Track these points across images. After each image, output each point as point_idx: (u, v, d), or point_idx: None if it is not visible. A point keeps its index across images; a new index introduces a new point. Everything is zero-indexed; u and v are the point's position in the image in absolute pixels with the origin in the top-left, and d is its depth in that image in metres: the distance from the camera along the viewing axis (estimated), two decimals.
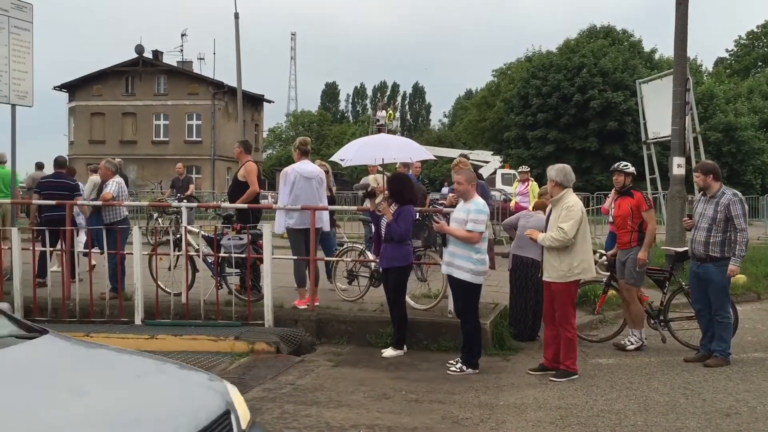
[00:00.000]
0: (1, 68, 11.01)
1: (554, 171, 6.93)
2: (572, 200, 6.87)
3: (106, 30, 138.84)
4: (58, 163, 11.47)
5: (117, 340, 7.88)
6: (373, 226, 9.30)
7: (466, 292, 7.00)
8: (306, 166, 9.09)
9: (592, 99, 45.38)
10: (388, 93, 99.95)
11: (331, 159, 9.09)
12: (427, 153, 9.06)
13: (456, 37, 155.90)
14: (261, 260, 8.51)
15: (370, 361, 7.42)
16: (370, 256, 9.09)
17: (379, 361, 7.42)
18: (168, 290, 9.05)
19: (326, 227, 9.41)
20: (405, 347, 7.69)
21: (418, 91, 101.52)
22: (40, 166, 14.59)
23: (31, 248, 9.20)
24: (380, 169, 9.34)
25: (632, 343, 8.06)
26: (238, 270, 9.01)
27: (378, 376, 6.85)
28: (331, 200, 10.76)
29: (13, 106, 11.31)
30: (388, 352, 7.63)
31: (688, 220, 7.79)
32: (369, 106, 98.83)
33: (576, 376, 6.80)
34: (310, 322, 8.34)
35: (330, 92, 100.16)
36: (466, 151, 31.16)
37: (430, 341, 7.96)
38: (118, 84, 47.52)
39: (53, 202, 10.00)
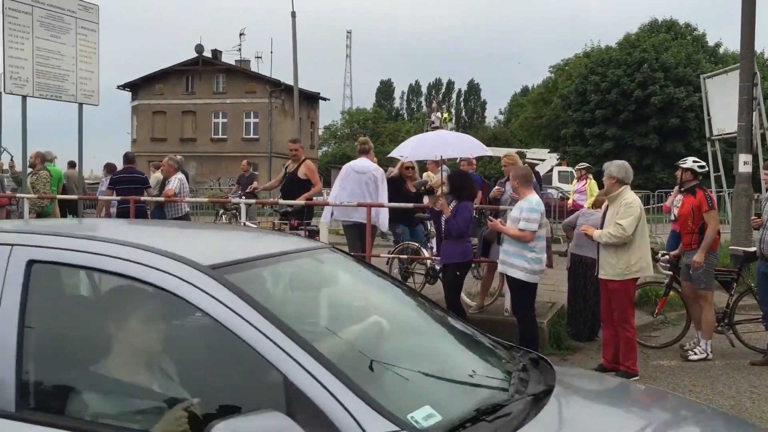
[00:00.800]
0: (69, 68, 11.41)
1: (615, 167, 6.79)
2: (631, 197, 6.72)
3: (168, 30, 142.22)
4: (128, 158, 11.94)
5: None
6: (430, 224, 9.35)
7: (521, 291, 6.93)
8: (359, 162, 9.20)
9: (653, 95, 44.25)
10: (443, 90, 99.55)
11: (390, 155, 9.17)
12: (486, 149, 8.99)
13: (512, 33, 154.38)
14: None
15: None
16: (426, 253, 9.09)
17: None
18: None
19: (383, 227, 9.44)
20: None
21: (473, 88, 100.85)
22: (72, 165, 14.90)
23: None
24: (442, 166, 9.34)
25: (696, 354, 7.61)
26: None
27: None
28: None
29: (80, 104, 11.72)
30: None
31: (756, 219, 7.52)
32: (424, 103, 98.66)
33: (637, 378, 6.66)
34: None
35: (385, 90, 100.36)
36: (518, 150, 30.77)
37: None
38: (179, 83, 48.63)
39: (117, 198, 10.31)
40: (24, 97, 10.69)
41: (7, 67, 10.36)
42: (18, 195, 11.17)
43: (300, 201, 9.34)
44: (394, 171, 10.01)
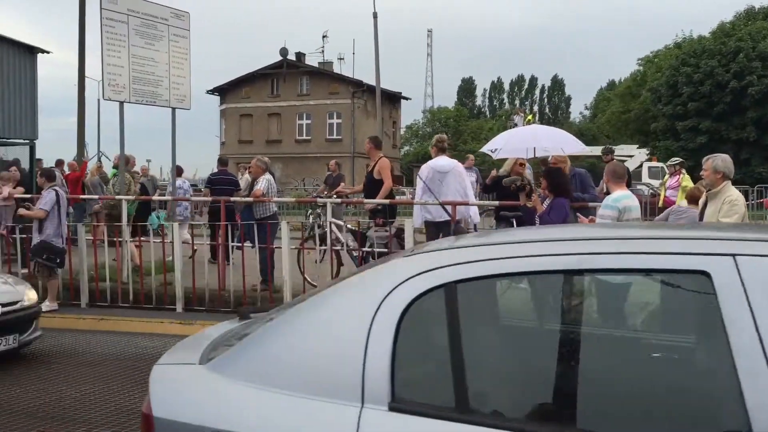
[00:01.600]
0: (162, 74, 11.83)
1: (720, 161, 6.47)
2: (734, 194, 6.40)
3: (253, 35, 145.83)
4: (222, 161, 13.18)
5: None
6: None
7: None
8: (439, 161, 9.16)
9: (750, 85, 42.12)
10: (525, 86, 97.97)
11: (481, 150, 9.12)
12: (581, 144, 8.76)
13: (597, 26, 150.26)
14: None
15: None
16: None
17: None
18: (315, 283, 9.36)
19: (475, 218, 9.42)
20: None
21: (557, 84, 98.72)
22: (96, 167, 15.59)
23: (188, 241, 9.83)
24: (523, 162, 9.17)
25: None
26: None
27: None
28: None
29: (173, 109, 12.14)
30: None
31: None
32: (506, 100, 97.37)
33: None
34: None
35: (466, 88, 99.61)
36: (605, 146, 29.86)
37: None
38: (265, 86, 49.79)
39: (184, 198, 10.64)
40: (121, 103, 11.15)
41: (106, 74, 10.82)
42: (117, 197, 11.65)
43: (384, 201, 9.41)
44: (503, 169, 9.93)
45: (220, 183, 12.52)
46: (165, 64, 11.80)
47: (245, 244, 10.04)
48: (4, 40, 13.57)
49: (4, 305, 7.02)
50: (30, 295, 7.42)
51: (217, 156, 50.07)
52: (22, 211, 9.75)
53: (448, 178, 9.01)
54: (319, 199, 11.75)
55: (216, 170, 13.59)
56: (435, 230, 8.94)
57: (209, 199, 11.04)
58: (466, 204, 8.72)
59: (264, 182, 10.27)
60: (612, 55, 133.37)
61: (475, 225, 9.72)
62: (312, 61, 51.07)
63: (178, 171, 13.78)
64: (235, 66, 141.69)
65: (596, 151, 21.74)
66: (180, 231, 9.97)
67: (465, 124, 74.96)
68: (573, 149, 8.77)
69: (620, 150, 36.01)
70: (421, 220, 9.02)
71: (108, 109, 59.28)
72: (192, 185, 22.86)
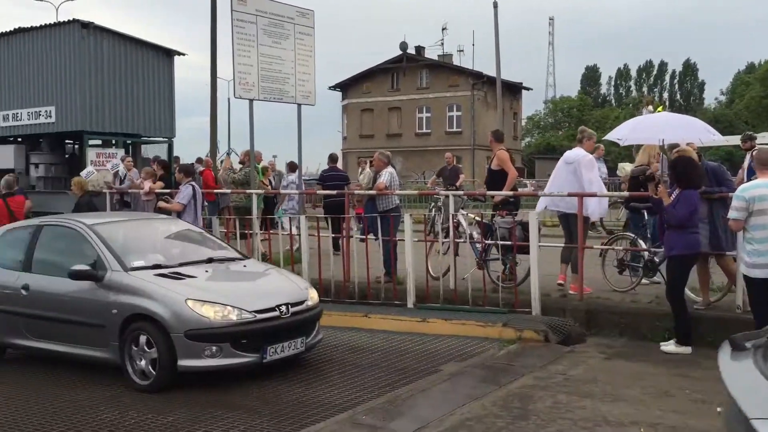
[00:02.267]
0: (289, 71, 12.19)
1: None
2: None
3: (374, 31, 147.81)
4: (333, 158, 13.71)
5: (392, 321, 8.41)
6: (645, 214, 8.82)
7: (748, 287, 6.48)
8: (570, 152, 9.13)
9: None
10: (654, 72, 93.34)
11: (605, 138, 8.83)
12: (714, 133, 8.23)
13: (733, 4, 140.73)
14: (524, 248, 8.52)
15: (646, 356, 6.97)
16: (642, 245, 8.58)
17: (656, 356, 6.95)
18: (436, 276, 9.37)
19: (592, 216, 9.14)
20: (690, 346, 7.08)
21: (689, 69, 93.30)
22: (293, 167, 16.07)
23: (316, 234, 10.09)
24: (661, 150, 8.73)
25: None
26: (499, 256, 9.10)
27: (657, 372, 6.42)
28: None
29: (299, 105, 12.50)
30: (670, 347, 7.09)
31: None
32: (633, 87, 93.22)
33: None
34: (579, 312, 8.08)
35: (590, 76, 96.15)
36: (746, 133, 27.90)
37: (716, 338, 7.25)
38: (385, 81, 50.33)
39: (291, 192, 10.87)
40: (251, 101, 11.59)
41: (237, 73, 11.29)
42: (248, 191, 12.16)
43: (507, 192, 9.30)
44: (638, 160, 9.61)
45: (332, 179, 13.16)
46: (291, 62, 12.15)
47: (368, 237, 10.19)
48: (145, 44, 14.45)
49: (293, 305, 6.63)
50: (312, 295, 7.05)
51: (340, 151, 51.33)
52: (161, 203, 10.38)
53: (568, 169, 8.89)
54: (441, 192, 11.74)
55: (327, 167, 14.17)
56: (564, 223, 8.92)
57: (333, 192, 11.38)
58: (580, 195, 8.42)
59: (387, 175, 10.36)
60: (751, 36, 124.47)
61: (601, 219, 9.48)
62: (431, 54, 51.13)
63: (292, 167, 14.51)
64: (356, 62, 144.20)
65: (733, 140, 20.34)
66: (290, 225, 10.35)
67: (589, 113, 72.53)
68: (705, 139, 8.25)
69: (762, 138, 33.57)
70: (542, 208, 9.12)
71: (235, 107, 61.90)
72: (313, 180, 23.56)
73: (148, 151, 15.54)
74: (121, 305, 6.38)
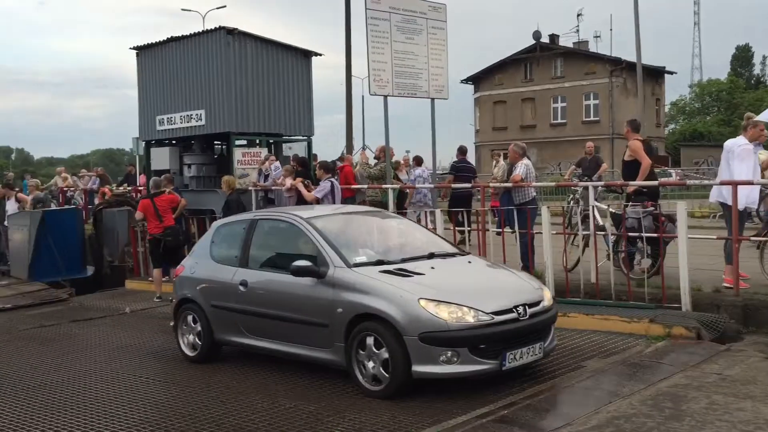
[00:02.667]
0: (422, 66, 12.25)
1: None
2: None
3: (505, 22, 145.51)
4: (462, 151, 14.52)
5: None
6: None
7: None
8: (728, 141, 8.86)
9: None
10: None
11: (755, 119, 8.29)
12: None
13: None
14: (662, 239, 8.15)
15: None
16: None
17: None
18: (570, 269, 9.13)
19: (740, 204, 8.55)
20: None
21: None
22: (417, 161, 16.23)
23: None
24: None
25: None
26: (636, 248, 8.73)
27: None
28: None
29: (432, 100, 12.54)
30: None
31: None
32: None
33: None
34: (735, 308, 7.57)
35: (741, 56, 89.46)
36: None
37: None
38: (517, 71, 49.43)
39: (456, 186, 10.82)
40: (385, 97, 11.76)
41: (372, 71, 11.49)
42: (384, 186, 12.36)
43: (647, 182, 8.91)
44: None
45: (464, 171, 14.00)
46: (424, 57, 12.20)
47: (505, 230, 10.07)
48: (284, 47, 15.00)
49: (529, 305, 6.03)
50: (547, 295, 6.49)
51: (472, 143, 50.99)
52: (300, 186, 11.12)
53: (724, 158, 8.53)
54: (580, 183, 11.40)
55: (456, 159, 14.66)
56: (727, 213, 8.43)
57: (468, 185, 11.42)
58: (733, 183, 7.89)
59: (522, 167, 10.19)
60: None
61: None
62: (566, 42, 49.63)
63: (417, 161, 14.86)
64: (487, 54, 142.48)
65: None
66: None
67: (741, 96, 67.56)
68: None
69: None
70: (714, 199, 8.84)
71: (369, 103, 62.94)
72: (445, 174, 23.59)
73: (289, 149, 16.15)
74: (347, 304, 6.04)
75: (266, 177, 13.51)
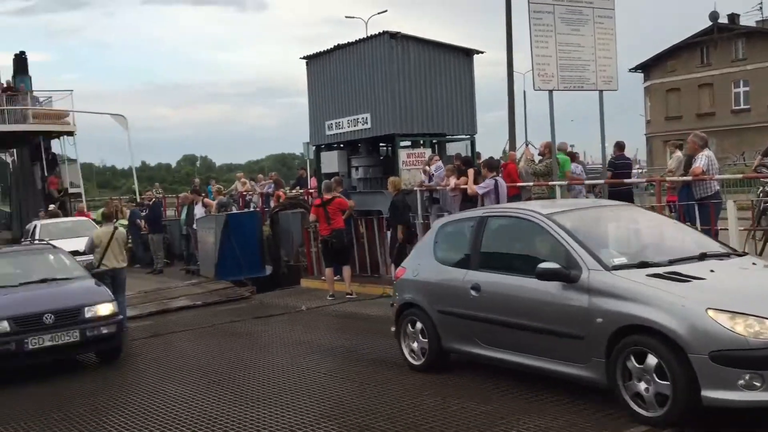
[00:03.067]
0: (588, 57, 11.82)
1: None
2: None
3: (676, 3, 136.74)
4: (620, 146, 13.90)
5: None
6: None
7: None
8: None
9: None
10: None
11: None
12: None
13: None
14: None
15: None
16: None
17: None
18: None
19: None
20: None
21: None
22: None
23: None
24: None
25: None
26: None
27: None
28: None
29: (601, 92, 12.06)
30: None
31: None
32: None
33: None
34: None
35: None
36: None
37: None
38: (692, 56, 46.27)
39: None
40: (550, 92, 11.47)
41: (536, 65, 11.24)
42: (550, 183, 12.06)
43: None
44: None
45: (622, 167, 13.51)
46: (591, 48, 11.77)
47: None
48: (445, 47, 15.10)
49: None
50: None
51: (643, 135, 48.43)
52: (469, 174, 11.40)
53: None
54: None
55: (614, 155, 13.90)
56: None
57: (637, 180, 10.85)
58: None
59: (703, 159, 9.52)
60: None
61: None
62: (748, 21, 45.75)
63: (572, 156, 14.18)
64: (656, 40, 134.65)
65: None
66: None
67: None
68: None
69: None
70: None
71: (531, 98, 61.77)
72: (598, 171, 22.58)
73: (451, 148, 16.23)
74: (609, 313, 5.26)
75: (431, 177, 13.65)
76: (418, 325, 6.95)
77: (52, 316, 8.17)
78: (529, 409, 5.64)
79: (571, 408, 5.53)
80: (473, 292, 6.32)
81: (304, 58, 16.53)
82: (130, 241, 15.28)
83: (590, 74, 11.87)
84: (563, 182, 12.01)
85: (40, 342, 8.05)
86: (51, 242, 11.14)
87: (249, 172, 46.42)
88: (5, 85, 27.96)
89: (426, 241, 7.52)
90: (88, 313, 8.42)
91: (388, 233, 12.58)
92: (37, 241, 11.36)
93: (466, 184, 11.61)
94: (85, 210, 24.12)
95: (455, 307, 6.55)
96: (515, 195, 13.62)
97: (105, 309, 8.58)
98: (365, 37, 15.43)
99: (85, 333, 8.30)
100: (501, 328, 6.09)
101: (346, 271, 12.13)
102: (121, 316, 8.93)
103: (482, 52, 15.76)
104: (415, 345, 7.04)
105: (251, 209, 19.01)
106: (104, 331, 8.46)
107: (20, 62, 29.20)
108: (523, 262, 6.14)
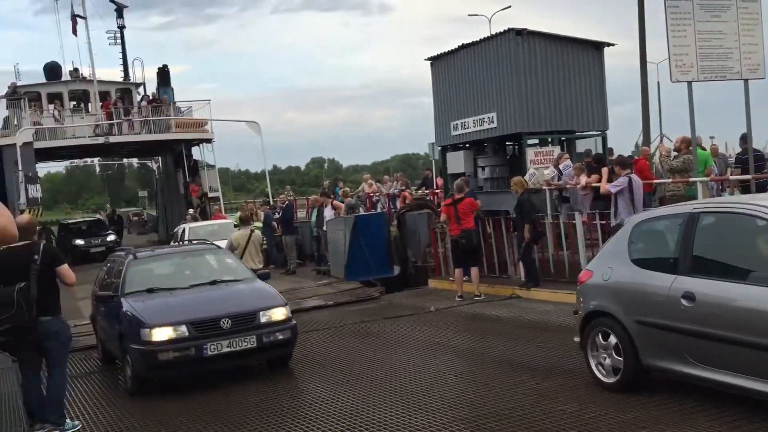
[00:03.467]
0: (731, 45, 11.13)
1: None
2: None
3: None
4: (745, 139, 12.47)
5: None
6: None
7: None
8: None
9: None
10: None
11: None
12: None
13: None
14: None
15: None
16: None
17: None
18: None
19: None
20: None
21: None
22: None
23: None
24: None
25: None
26: None
27: None
28: None
29: (746, 80, 11.32)
30: None
31: None
32: None
33: None
34: None
35: None
36: None
37: None
38: None
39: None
40: (689, 83, 10.89)
41: (672, 56, 10.71)
42: (690, 179, 11.45)
43: None
44: None
45: (745, 162, 12.37)
46: (734, 35, 11.09)
47: None
48: (573, 41, 14.67)
49: None
50: None
51: None
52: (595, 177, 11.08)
53: None
54: None
55: (740, 149, 13.03)
56: None
57: (746, 177, 10.12)
58: None
59: None
60: None
61: None
62: None
63: (713, 152, 13.45)
64: None
65: None
66: None
67: None
68: None
69: None
70: None
71: (666, 90, 58.88)
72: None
73: (581, 145, 15.74)
74: None
75: (560, 176, 13.33)
76: (612, 339, 6.11)
77: (229, 321, 7.77)
78: (660, 416, 5.39)
79: (714, 421, 5.23)
80: (684, 302, 5.43)
81: (428, 59, 16.60)
82: (264, 242, 15.91)
83: (734, 62, 11.20)
84: (705, 179, 11.37)
85: (218, 348, 7.66)
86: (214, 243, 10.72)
87: (374, 173, 47.18)
88: (150, 97, 30.06)
89: (618, 241, 6.58)
90: (263, 318, 8.03)
91: (515, 234, 12.41)
92: (195, 242, 11.52)
93: (599, 182, 11.24)
94: (222, 212, 25.46)
95: (660, 318, 5.67)
96: (649, 192, 13.06)
97: (279, 313, 8.22)
98: (490, 35, 15.28)
99: (261, 339, 7.89)
100: (725, 345, 5.19)
101: (475, 272, 12.07)
102: (294, 322, 8.44)
103: (612, 45, 15.20)
104: (607, 361, 6.19)
105: (378, 210, 19.31)
106: (280, 336, 8.07)
107: (163, 75, 31.31)
108: (749, 266, 5.27)
